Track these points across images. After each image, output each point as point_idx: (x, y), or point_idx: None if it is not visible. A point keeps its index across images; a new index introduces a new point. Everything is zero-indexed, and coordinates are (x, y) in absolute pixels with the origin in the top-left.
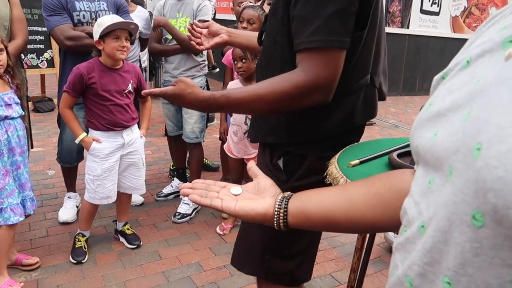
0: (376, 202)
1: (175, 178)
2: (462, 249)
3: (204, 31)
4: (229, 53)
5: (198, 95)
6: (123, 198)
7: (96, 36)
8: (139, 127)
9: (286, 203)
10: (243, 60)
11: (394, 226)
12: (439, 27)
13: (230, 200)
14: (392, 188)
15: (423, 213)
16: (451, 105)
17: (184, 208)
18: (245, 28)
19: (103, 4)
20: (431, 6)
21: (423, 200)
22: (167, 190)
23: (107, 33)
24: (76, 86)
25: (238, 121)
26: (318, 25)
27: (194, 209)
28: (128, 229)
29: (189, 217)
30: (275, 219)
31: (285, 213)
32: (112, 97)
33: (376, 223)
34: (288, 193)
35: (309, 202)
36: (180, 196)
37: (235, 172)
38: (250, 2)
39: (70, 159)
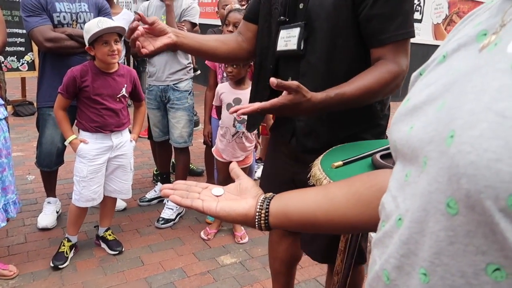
0: (356, 201)
1: (158, 183)
2: (437, 238)
3: (141, 28)
4: None
5: (315, 101)
6: (108, 202)
7: (86, 43)
8: (130, 131)
9: (268, 203)
10: (234, 65)
11: (375, 225)
12: (422, 34)
13: (211, 201)
14: (372, 187)
15: (400, 206)
16: (427, 98)
17: (167, 213)
18: (231, 31)
19: (84, 5)
20: (414, 13)
21: (400, 194)
22: (150, 195)
23: (95, 39)
24: (70, 89)
25: (226, 124)
26: (401, 20)
27: (178, 214)
28: (110, 234)
29: (172, 222)
30: (256, 219)
31: (267, 213)
32: (104, 101)
33: (356, 223)
34: (270, 194)
35: (290, 203)
36: (164, 201)
37: (223, 174)
38: (235, 5)
39: (50, 163)
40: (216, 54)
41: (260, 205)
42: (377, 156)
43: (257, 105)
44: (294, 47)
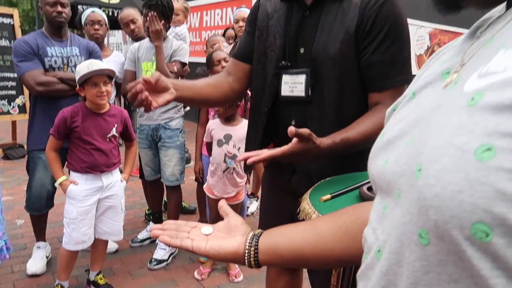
0: (342, 234)
1: (150, 223)
2: (413, 269)
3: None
4: None
5: (322, 147)
6: (99, 244)
7: (77, 84)
8: (120, 170)
9: (257, 240)
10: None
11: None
12: None
13: (201, 240)
14: (357, 220)
15: (379, 238)
16: (399, 132)
17: (160, 253)
18: (224, 67)
19: (75, 49)
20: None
21: (379, 226)
22: (142, 235)
23: (85, 81)
24: (61, 130)
25: (217, 160)
26: (399, 67)
27: (171, 254)
28: (101, 278)
29: (165, 262)
30: (246, 257)
31: (256, 251)
32: (94, 140)
33: (344, 256)
34: (259, 230)
35: (279, 239)
36: (156, 241)
37: (214, 211)
38: (223, 43)
39: (40, 206)
40: (210, 100)
41: (249, 243)
42: (364, 188)
43: (268, 153)
44: (302, 94)
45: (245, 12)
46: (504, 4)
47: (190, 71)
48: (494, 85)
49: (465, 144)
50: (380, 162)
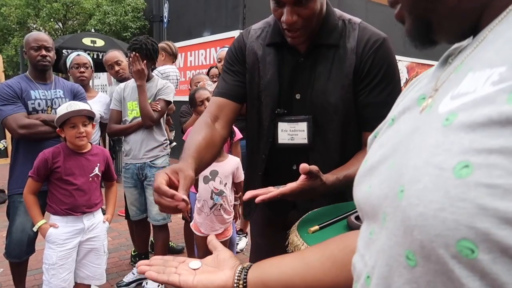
0: (331, 264)
1: (137, 264)
2: None
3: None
4: (190, 130)
5: (328, 184)
6: None
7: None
8: (103, 211)
9: (246, 273)
10: None
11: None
12: None
13: (188, 274)
14: (346, 249)
15: (367, 264)
16: (380, 158)
17: None
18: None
19: (59, 91)
20: None
21: (367, 252)
22: (128, 278)
23: (64, 122)
24: (41, 171)
25: (204, 197)
26: (392, 107)
27: None
28: None
29: None
30: None
31: (245, 284)
32: (76, 181)
33: (333, 286)
34: (248, 263)
35: (268, 271)
36: (143, 284)
37: (202, 250)
38: (207, 81)
39: (20, 253)
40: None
41: (238, 276)
42: (352, 217)
43: (277, 191)
44: (304, 141)
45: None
46: (471, 37)
47: (175, 109)
48: (466, 105)
49: (443, 163)
50: (364, 188)
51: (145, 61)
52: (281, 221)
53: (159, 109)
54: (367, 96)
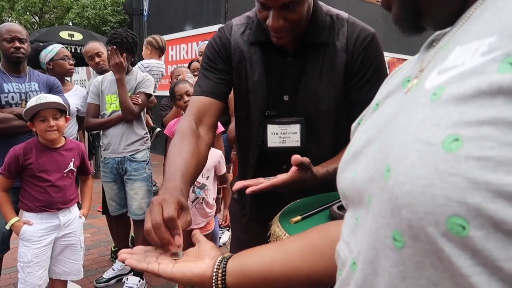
0: (310, 252)
1: (117, 261)
2: (390, 276)
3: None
4: (171, 123)
5: (318, 176)
6: (57, 286)
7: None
8: (79, 206)
9: (225, 263)
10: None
11: (331, 276)
12: None
13: (168, 263)
14: (326, 238)
15: (353, 250)
16: (365, 142)
17: None
18: (186, 101)
19: (34, 84)
20: None
21: (352, 238)
22: (108, 274)
23: (34, 115)
24: (12, 168)
25: None
26: None
27: None
28: None
29: None
30: (213, 279)
31: (224, 273)
32: (50, 177)
33: (312, 275)
34: (228, 254)
35: (247, 260)
36: (123, 280)
37: (184, 244)
38: (188, 74)
39: None
40: (198, 174)
41: (218, 265)
42: (334, 207)
43: (268, 183)
44: (297, 144)
45: None
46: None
47: (156, 103)
48: (454, 78)
49: (431, 138)
50: (349, 174)
51: (124, 54)
52: (265, 218)
53: (140, 102)
54: (357, 93)
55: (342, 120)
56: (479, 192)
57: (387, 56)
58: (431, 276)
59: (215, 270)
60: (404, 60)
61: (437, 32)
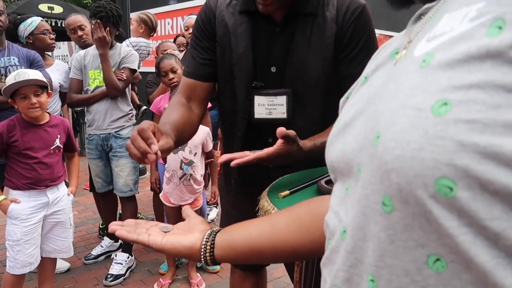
0: (296, 226)
1: (105, 237)
2: (379, 240)
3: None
4: (157, 100)
5: (305, 149)
6: (46, 263)
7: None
8: (66, 184)
9: (214, 236)
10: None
11: (316, 250)
12: None
13: (158, 235)
14: (311, 211)
15: (342, 219)
16: (355, 114)
17: (116, 268)
18: (171, 79)
19: (14, 59)
20: None
21: (342, 208)
22: (96, 251)
23: (14, 92)
24: None
25: (173, 167)
26: None
27: (128, 268)
28: None
29: (122, 277)
30: (201, 252)
31: (212, 246)
32: (36, 154)
33: (298, 248)
34: (217, 228)
35: (235, 234)
36: (112, 256)
37: (172, 220)
38: (175, 51)
39: None
40: (186, 140)
41: (206, 238)
42: (322, 181)
43: (253, 155)
44: (283, 116)
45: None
46: None
47: (142, 79)
48: (443, 45)
49: (421, 103)
50: (338, 146)
51: (107, 28)
52: (253, 193)
53: (124, 78)
54: (348, 67)
55: (332, 94)
56: (467, 154)
57: (375, 33)
58: (419, 238)
59: (203, 243)
60: (391, 36)
61: (425, 6)
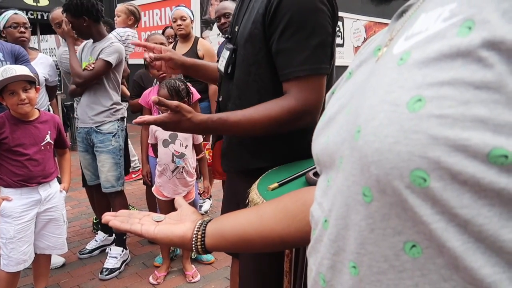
0: (283, 215)
1: (99, 232)
2: (360, 229)
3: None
4: (146, 93)
5: (195, 119)
6: (41, 260)
7: None
8: (59, 180)
9: (205, 226)
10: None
11: (302, 238)
12: (345, 57)
13: (150, 224)
14: (298, 201)
15: (325, 210)
16: (338, 108)
17: (111, 262)
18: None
19: None
20: (327, 49)
21: (324, 199)
22: (91, 245)
23: (2, 89)
24: None
25: (165, 161)
26: (306, 56)
27: (123, 261)
28: None
29: (118, 271)
30: (193, 241)
31: (203, 235)
32: (27, 150)
33: (285, 236)
34: (208, 218)
35: (225, 223)
36: (106, 250)
37: (165, 213)
38: (164, 43)
39: None
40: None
41: (198, 228)
42: (310, 173)
43: (152, 117)
44: (222, 68)
45: (182, 10)
46: None
47: (130, 72)
48: (419, 43)
49: (397, 99)
50: (322, 139)
51: (70, 24)
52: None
53: (91, 68)
54: (277, 43)
55: (253, 62)
56: (438, 147)
57: (364, 19)
58: (396, 226)
59: (195, 232)
60: (381, 24)
61: (408, 3)
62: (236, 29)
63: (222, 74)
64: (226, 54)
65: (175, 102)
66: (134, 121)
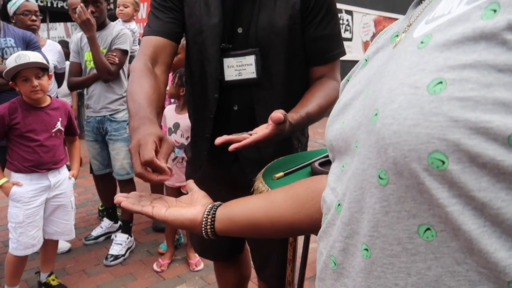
0: (293, 201)
1: (105, 219)
2: (374, 212)
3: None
4: None
5: (293, 124)
6: (48, 245)
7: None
8: (68, 168)
9: (215, 210)
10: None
11: (312, 225)
12: (353, 52)
13: (161, 207)
14: (308, 189)
15: (338, 194)
16: (354, 94)
17: (116, 249)
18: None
19: (10, 40)
20: (344, 32)
21: (338, 184)
22: (96, 232)
23: (15, 75)
24: None
25: None
26: (338, 41)
27: (128, 248)
28: (53, 279)
29: (122, 257)
30: (203, 225)
31: (213, 219)
32: (38, 136)
33: (295, 222)
34: (218, 202)
35: (235, 208)
36: (111, 237)
37: None
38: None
39: None
40: (160, 109)
41: (208, 211)
42: (316, 164)
43: (251, 139)
44: (253, 75)
45: None
46: None
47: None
48: (440, 26)
49: (417, 82)
50: (337, 125)
51: (89, 10)
52: (224, 175)
53: (117, 61)
54: (316, 30)
55: (295, 55)
56: (458, 129)
57: (374, 14)
58: (411, 209)
59: (205, 215)
60: (391, 18)
61: None
62: (239, 31)
63: (241, 82)
64: (244, 60)
65: (282, 112)
66: (233, 147)
